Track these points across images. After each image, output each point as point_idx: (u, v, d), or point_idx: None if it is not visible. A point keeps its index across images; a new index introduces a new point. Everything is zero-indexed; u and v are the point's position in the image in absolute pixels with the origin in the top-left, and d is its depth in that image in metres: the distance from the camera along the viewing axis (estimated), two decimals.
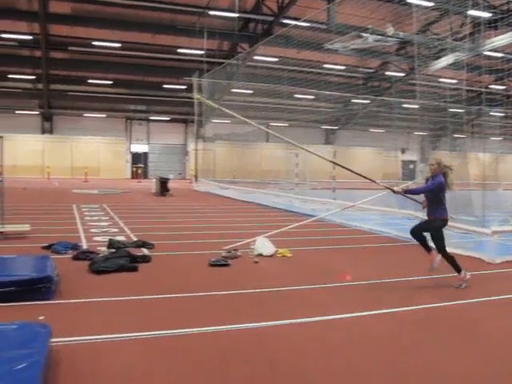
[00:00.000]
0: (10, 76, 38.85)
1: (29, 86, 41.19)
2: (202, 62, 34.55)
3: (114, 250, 8.79)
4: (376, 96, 42.28)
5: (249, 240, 9.92)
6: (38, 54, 36.89)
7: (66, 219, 14.11)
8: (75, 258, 8.44)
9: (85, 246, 9.72)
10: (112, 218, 14.44)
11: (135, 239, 10.43)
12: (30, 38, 34.98)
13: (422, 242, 7.49)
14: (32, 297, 5.90)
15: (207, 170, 37.04)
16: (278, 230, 11.02)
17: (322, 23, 29.09)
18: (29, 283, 5.88)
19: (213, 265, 8.33)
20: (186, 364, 4.37)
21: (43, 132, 44.50)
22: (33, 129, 43.74)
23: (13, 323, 4.36)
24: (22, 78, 39.62)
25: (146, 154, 48.26)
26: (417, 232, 7.45)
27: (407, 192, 7.56)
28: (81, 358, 4.39)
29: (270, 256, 9.17)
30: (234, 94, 39.43)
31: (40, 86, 40.65)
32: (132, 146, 47.73)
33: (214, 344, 4.87)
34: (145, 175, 46.71)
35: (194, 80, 32.84)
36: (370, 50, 30.59)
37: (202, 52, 34.55)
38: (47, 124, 44.59)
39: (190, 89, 37.12)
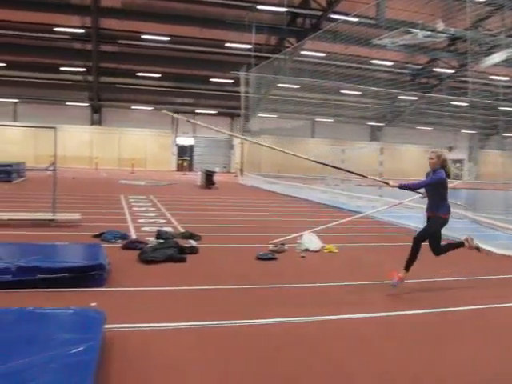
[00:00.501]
0: (61, 68, 39.72)
1: (79, 78, 42.07)
2: (249, 56, 34.63)
3: (162, 241, 8.91)
4: (424, 93, 41.64)
5: (296, 235, 9.91)
6: (88, 47, 37.65)
7: (115, 209, 14.38)
8: (124, 248, 8.59)
9: (133, 235, 9.88)
10: (159, 210, 14.63)
11: (182, 230, 10.54)
12: (81, 31, 35.70)
13: (412, 254, 6.76)
14: (84, 283, 6.04)
15: (252, 163, 37.12)
16: (324, 226, 10.99)
17: (371, 18, 28.81)
18: (82, 270, 6.02)
19: (260, 258, 8.36)
20: (235, 354, 4.41)
21: (92, 123, 45.38)
22: (82, 120, 44.67)
23: (68, 308, 4.48)
24: (73, 70, 40.45)
25: (191, 146, 48.70)
26: (417, 239, 6.79)
27: (402, 187, 6.97)
28: (132, 345, 4.47)
29: (316, 251, 9.15)
30: (281, 88, 39.43)
31: (90, 78, 41.52)
32: (178, 138, 48.23)
33: (263, 336, 4.90)
34: (190, 168, 47.14)
35: (242, 74, 32.97)
36: (419, 46, 30.15)
37: (250, 46, 34.62)
38: (96, 116, 45.46)
39: (236, 83, 37.25)
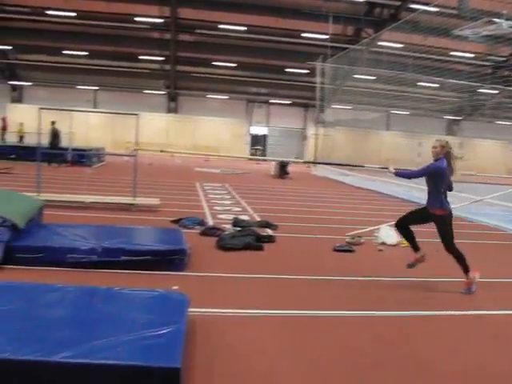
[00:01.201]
0: (140, 57, 40.59)
1: (157, 67, 42.88)
2: (325, 46, 34.27)
3: (239, 229, 8.99)
4: (506, 86, 40.04)
5: (372, 228, 9.79)
6: (167, 36, 38.30)
7: (191, 195, 14.63)
8: (202, 234, 8.73)
9: (210, 222, 10.02)
10: (234, 198, 14.77)
11: (259, 219, 10.60)
12: (160, 21, 36.35)
13: (406, 237, 6.64)
14: (166, 267, 6.20)
15: (326, 155, 36.84)
16: None
17: (452, 8, 27.89)
18: (164, 254, 6.17)
19: (337, 250, 8.30)
20: (313, 345, 4.40)
21: (168, 111, 46.20)
22: (159, 108, 45.53)
23: (154, 290, 4.59)
24: (151, 59, 41.25)
25: (264, 136, 48.83)
26: (403, 224, 6.56)
27: (399, 174, 6.70)
28: (214, 329, 4.54)
29: (393, 245, 8.99)
30: (356, 79, 38.88)
31: (167, 67, 42.24)
32: (251, 128, 48.45)
33: (341, 328, 4.87)
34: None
35: (318, 65, 32.71)
36: (504, 38, 28.97)
37: (326, 37, 34.26)
38: (172, 104, 46.25)
39: (312, 73, 36.99)
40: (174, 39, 37.77)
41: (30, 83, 43.91)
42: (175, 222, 9.58)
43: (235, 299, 5.48)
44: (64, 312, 3.95)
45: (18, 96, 44.89)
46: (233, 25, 36.26)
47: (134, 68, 41.85)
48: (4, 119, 30.15)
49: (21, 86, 44.68)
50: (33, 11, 35.09)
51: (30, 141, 28.63)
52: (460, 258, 6.34)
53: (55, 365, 3.07)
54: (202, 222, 9.62)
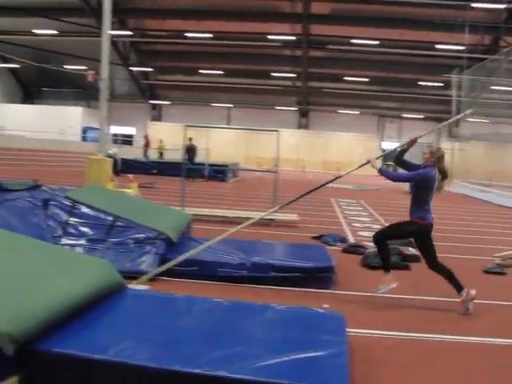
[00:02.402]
0: (272, 74, 41.39)
1: (288, 83, 43.52)
2: (460, 58, 33.00)
3: None
4: None
5: None
6: (298, 53, 38.79)
7: (328, 211, 14.56)
8: (345, 251, 8.62)
9: (351, 239, 9.88)
10: (371, 215, 14.51)
11: None
12: (292, 38, 36.87)
13: (383, 254, 5.95)
14: (313, 284, 6.15)
15: (460, 170, 35.36)
16: None
17: None
18: (313, 271, 6.13)
19: (487, 272, 7.85)
20: (474, 371, 4.16)
21: (299, 127, 46.66)
22: (290, 124, 46.12)
23: (310, 309, 4.55)
24: (283, 76, 41.94)
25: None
26: (380, 238, 5.93)
27: (382, 172, 5.90)
28: (371, 351, 4.42)
29: None
30: (494, 91, 36.98)
31: (299, 83, 42.76)
32: (383, 143, 47.64)
33: (490, 357, 4.56)
34: None
35: (454, 77, 31.53)
36: None
37: (462, 47, 32.96)
38: (304, 119, 46.67)
39: (446, 86, 35.75)
40: (305, 56, 38.16)
41: (168, 102, 46.25)
42: (316, 238, 9.56)
43: (387, 320, 5.32)
44: (219, 326, 3.99)
45: (157, 114, 47.45)
46: (365, 39, 35.95)
47: (266, 85, 42.78)
48: (146, 137, 31.93)
49: (160, 105, 47.22)
50: (172, 34, 37.01)
51: (168, 156, 30.08)
52: (449, 276, 5.82)
53: (216, 379, 3.10)
54: (343, 239, 9.52)
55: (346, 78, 41.56)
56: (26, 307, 3.43)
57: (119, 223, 6.69)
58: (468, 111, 6.29)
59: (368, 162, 6.07)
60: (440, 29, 33.79)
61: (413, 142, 6.13)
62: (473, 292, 5.70)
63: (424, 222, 5.73)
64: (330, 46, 37.71)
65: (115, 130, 44.55)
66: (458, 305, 5.72)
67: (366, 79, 41.80)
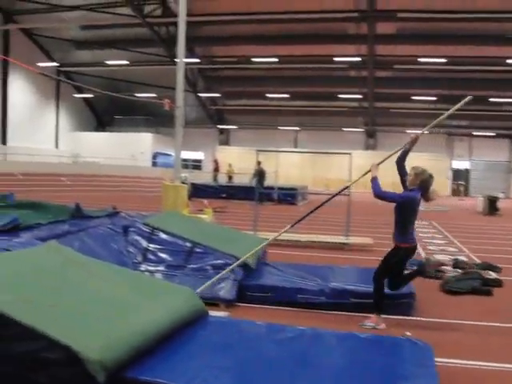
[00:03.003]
0: (339, 96, 41.32)
1: (355, 104, 43.30)
2: None
3: (460, 271, 8.55)
4: None
5: None
6: (364, 73, 38.57)
7: None
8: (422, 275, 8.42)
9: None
10: (446, 237, 14.13)
11: (478, 261, 10.00)
12: (358, 59, 36.75)
13: (378, 295, 5.70)
14: (392, 310, 6.03)
15: None
16: None
17: None
18: (392, 297, 6.00)
19: None
20: None
21: (367, 148, 46.24)
22: (357, 145, 45.72)
23: (394, 338, 4.47)
24: (349, 97, 41.78)
25: (467, 170, 46.56)
26: (376, 277, 5.73)
27: (373, 182, 5.85)
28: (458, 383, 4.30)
29: None
30: None
31: (365, 104, 42.46)
32: (453, 162, 46.54)
33: None
34: (466, 193, 45.11)
35: None
36: None
37: None
38: (371, 140, 46.25)
39: None
40: (371, 76, 37.90)
41: (235, 126, 46.88)
42: None
43: (472, 349, 5.16)
44: (303, 355, 3.96)
45: (225, 139, 48.19)
46: (432, 57, 35.37)
47: (332, 107, 42.76)
48: (216, 161, 32.43)
49: (227, 130, 47.94)
50: (238, 60, 37.66)
51: (237, 180, 30.41)
52: (378, 294, 5.69)
53: None
54: (419, 263, 9.27)
55: (413, 97, 40.97)
56: (116, 335, 3.54)
57: (197, 249, 6.81)
58: (467, 98, 6.11)
59: (370, 171, 6.05)
60: (510, 43, 32.89)
61: (414, 141, 6.06)
62: (382, 326, 5.61)
63: (408, 245, 5.65)
64: (397, 66, 37.32)
65: (184, 155, 45.41)
66: (368, 319, 5.69)
67: (434, 98, 41.05)
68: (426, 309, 6.42)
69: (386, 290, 6.08)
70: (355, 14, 31.16)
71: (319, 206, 6.44)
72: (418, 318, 6.06)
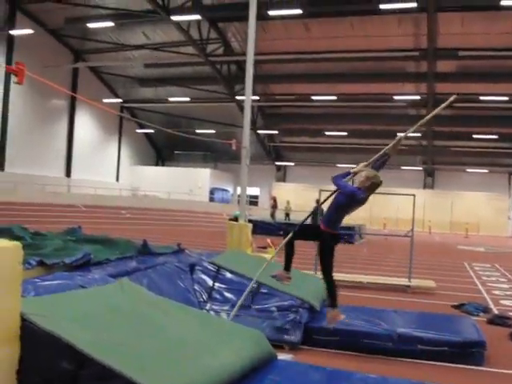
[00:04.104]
0: (398, 134, 40.99)
1: (413, 142, 42.90)
2: None
3: None
4: None
5: None
6: (423, 112, 38.23)
7: (463, 277, 13.95)
8: (490, 322, 8.17)
9: (494, 309, 9.39)
10: (511, 280, 13.72)
11: None
12: (417, 98, 36.54)
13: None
14: (463, 360, 5.87)
15: None
16: None
17: None
18: (463, 345, 5.86)
19: None
20: None
21: (425, 187, 45.61)
22: (415, 183, 45.18)
23: None
24: (408, 135, 41.33)
25: None
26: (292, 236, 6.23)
27: (345, 172, 6.12)
28: None
29: None
30: None
31: (424, 142, 42.01)
32: None
33: None
34: None
35: None
36: None
37: None
38: (429, 179, 45.62)
39: None
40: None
41: (292, 163, 47.09)
42: (456, 307, 9.16)
43: None
44: None
45: (281, 175, 48.42)
46: (493, 95, 34.83)
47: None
48: (274, 198, 32.53)
49: (285, 166, 48.18)
50: (298, 98, 38.03)
51: (294, 217, 30.40)
52: (330, 289, 5.96)
53: None
54: (486, 309, 9.05)
55: (473, 136, 40.29)
56: (191, 378, 3.60)
57: (263, 290, 6.85)
58: (452, 97, 6.13)
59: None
60: None
61: (396, 145, 6.31)
62: (342, 317, 5.91)
63: (335, 232, 5.97)
64: (457, 104, 36.86)
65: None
66: (329, 317, 5.98)
67: (495, 136, 40.25)
68: (497, 359, 6.20)
69: (457, 338, 5.97)
70: (416, 53, 31.08)
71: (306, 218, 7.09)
72: (490, 369, 5.86)
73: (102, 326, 4.10)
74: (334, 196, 6.12)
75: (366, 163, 6.14)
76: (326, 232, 5.94)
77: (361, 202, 5.88)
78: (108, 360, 3.47)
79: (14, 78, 4.28)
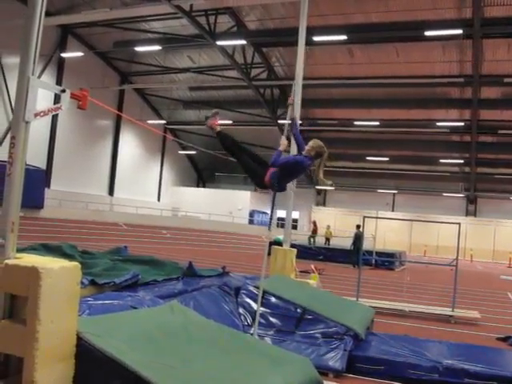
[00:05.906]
0: (440, 161, 40.68)
1: (456, 169, 42.43)
2: None
3: None
4: None
5: None
6: (466, 138, 37.87)
7: (508, 308, 13.68)
8: None
9: None
10: None
11: None
12: (460, 124, 36.21)
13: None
14: None
15: None
16: None
17: None
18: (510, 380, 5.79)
19: None
20: None
21: (466, 214, 44.91)
22: (456, 211, 44.54)
23: None
24: (450, 162, 41.02)
25: None
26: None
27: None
28: None
29: None
30: None
31: (467, 169, 41.50)
32: None
33: None
34: None
35: None
36: None
37: None
38: (471, 206, 44.93)
39: None
40: (474, 141, 37.11)
41: (332, 187, 46.99)
42: (503, 339, 9.00)
43: None
44: None
45: (321, 199, 48.35)
46: None
47: (432, 171, 42.12)
48: (315, 223, 32.47)
49: (325, 190, 48.09)
50: (340, 123, 38.11)
51: (334, 242, 30.30)
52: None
53: None
54: None
55: None
56: None
57: (308, 316, 6.87)
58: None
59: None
60: None
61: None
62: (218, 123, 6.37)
63: (272, 187, 6.27)
64: (502, 131, 36.36)
65: (281, 214, 45.97)
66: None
67: None
68: None
69: (505, 372, 5.89)
70: (460, 79, 30.86)
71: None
72: None
73: (155, 347, 4.17)
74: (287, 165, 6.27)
75: (283, 137, 6.62)
76: (267, 182, 6.17)
77: (307, 167, 6.32)
78: (162, 382, 3.54)
79: (75, 103, 4.50)
